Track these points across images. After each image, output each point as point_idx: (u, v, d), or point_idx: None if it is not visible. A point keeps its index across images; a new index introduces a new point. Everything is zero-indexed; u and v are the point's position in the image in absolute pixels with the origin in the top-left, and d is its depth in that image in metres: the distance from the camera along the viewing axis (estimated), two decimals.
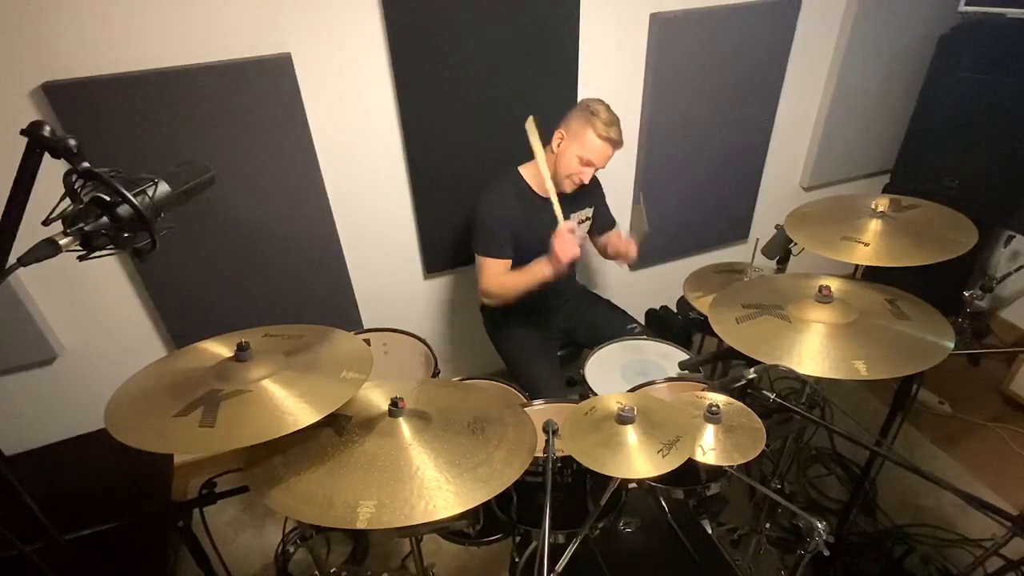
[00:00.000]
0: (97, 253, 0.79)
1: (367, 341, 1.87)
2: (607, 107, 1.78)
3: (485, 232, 1.86)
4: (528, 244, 1.91)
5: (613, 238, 2.07)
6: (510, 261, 1.89)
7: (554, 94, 2.13)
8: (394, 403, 1.12)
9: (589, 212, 2.05)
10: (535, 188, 1.91)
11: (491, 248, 1.86)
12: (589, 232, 2.10)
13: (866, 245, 1.45)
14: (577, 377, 1.81)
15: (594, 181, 2.04)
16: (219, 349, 1.18)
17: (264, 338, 1.21)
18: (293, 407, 1.01)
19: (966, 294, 2.09)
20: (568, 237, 1.68)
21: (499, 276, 1.89)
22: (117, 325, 2.01)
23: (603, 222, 2.12)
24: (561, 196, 1.82)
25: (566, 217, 1.93)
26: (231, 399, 1.01)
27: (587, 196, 2.01)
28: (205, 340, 1.22)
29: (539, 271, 1.79)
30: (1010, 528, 0.98)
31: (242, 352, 1.09)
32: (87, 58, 1.58)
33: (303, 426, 0.96)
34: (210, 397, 1.01)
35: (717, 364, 2.04)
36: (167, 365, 1.16)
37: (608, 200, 2.11)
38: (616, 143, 1.78)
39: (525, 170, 1.92)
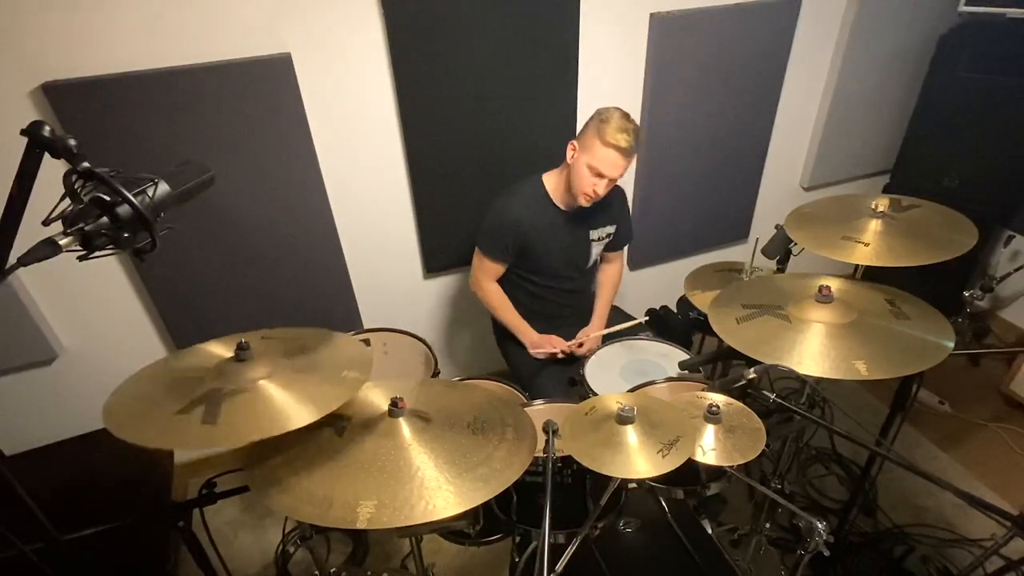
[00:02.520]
0: (97, 253, 0.79)
1: (367, 341, 1.88)
2: (623, 115, 1.71)
3: (487, 230, 1.90)
4: (543, 251, 1.91)
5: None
6: (503, 267, 1.94)
7: (554, 94, 2.13)
8: (394, 403, 1.12)
9: (611, 229, 2.01)
10: (555, 199, 1.89)
11: (485, 246, 1.91)
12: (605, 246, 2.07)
13: (866, 245, 1.45)
14: (577, 377, 1.81)
15: (620, 196, 2.01)
16: (218, 350, 1.18)
17: (262, 340, 1.21)
18: (295, 404, 1.01)
19: (966, 294, 2.09)
20: (551, 349, 1.92)
21: (491, 283, 1.98)
22: (117, 325, 2.01)
23: (621, 238, 2.08)
24: (578, 209, 1.85)
25: (587, 230, 1.95)
26: (232, 397, 1.01)
27: (609, 212, 1.97)
28: (203, 343, 1.22)
29: (523, 331, 1.97)
30: (1010, 528, 0.98)
31: (242, 352, 1.09)
32: (87, 58, 1.58)
33: (306, 423, 0.97)
34: (211, 395, 1.01)
35: (717, 364, 2.04)
36: (164, 366, 1.16)
37: None
38: (624, 151, 1.69)
39: (548, 179, 1.90)
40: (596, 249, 2.01)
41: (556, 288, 2.03)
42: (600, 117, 1.72)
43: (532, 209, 1.86)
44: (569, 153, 1.78)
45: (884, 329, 1.28)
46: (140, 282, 1.95)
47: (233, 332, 1.23)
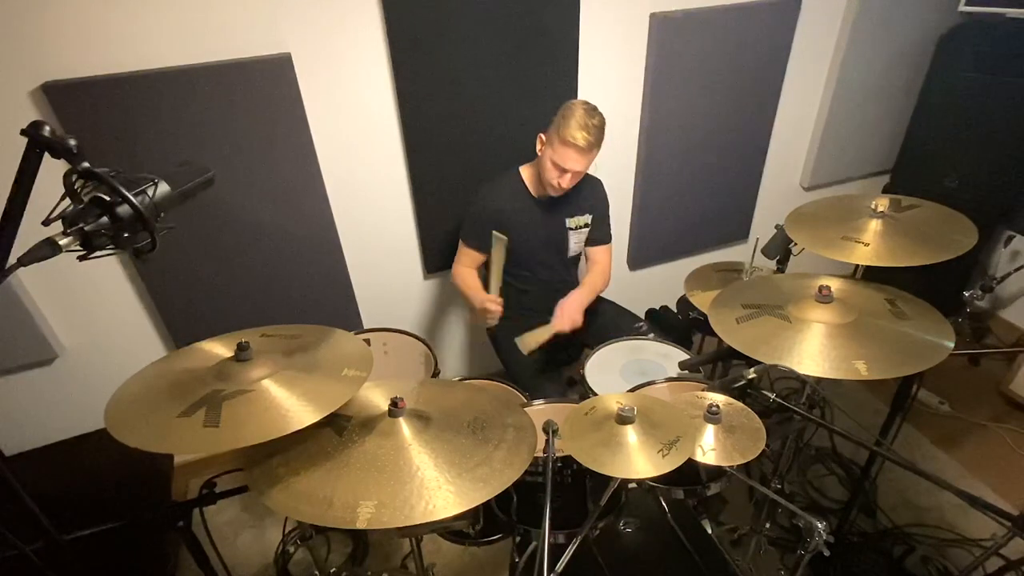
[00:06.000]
0: (97, 253, 0.79)
1: (367, 341, 1.88)
2: (585, 110, 1.74)
3: (467, 219, 1.99)
4: (521, 240, 1.95)
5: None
6: (483, 257, 1.99)
7: (554, 94, 2.12)
8: (394, 403, 1.12)
9: (588, 219, 2.04)
10: (531, 189, 1.96)
11: (467, 234, 1.99)
12: (585, 241, 2.09)
13: (866, 245, 1.45)
14: (577, 377, 1.81)
15: (596, 187, 2.05)
16: (218, 349, 1.18)
17: (262, 338, 1.21)
18: (297, 405, 1.01)
19: (966, 294, 2.08)
20: (492, 310, 1.86)
21: (464, 267, 2.03)
22: (117, 325, 2.00)
23: (599, 235, 2.08)
24: (553, 199, 1.90)
25: (563, 219, 1.99)
26: (234, 399, 1.01)
27: (585, 201, 2.01)
28: (204, 340, 1.22)
29: (473, 295, 1.95)
30: (1010, 528, 0.98)
31: (242, 352, 1.09)
32: (87, 58, 1.58)
33: (308, 424, 0.97)
34: (212, 397, 1.01)
35: (717, 364, 2.04)
36: (166, 365, 1.16)
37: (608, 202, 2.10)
38: (581, 149, 1.73)
39: (524, 171, 1.97)
40: (574, 238, 2.05)
41: (539, 279, 2.06)
42: (563, 113, 1.77)
43: (510, 199, 1.94)
44: (537, 145, 1.85)
45: (884, 329, 1.28)
46: (140, 282, 1.95)
47: (231, 332, 1.23)
